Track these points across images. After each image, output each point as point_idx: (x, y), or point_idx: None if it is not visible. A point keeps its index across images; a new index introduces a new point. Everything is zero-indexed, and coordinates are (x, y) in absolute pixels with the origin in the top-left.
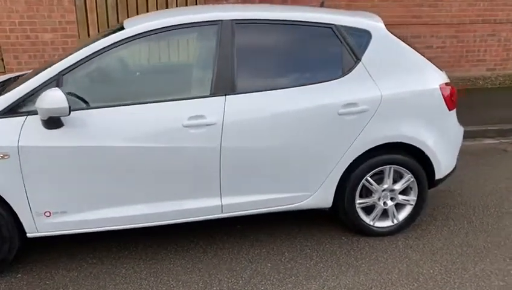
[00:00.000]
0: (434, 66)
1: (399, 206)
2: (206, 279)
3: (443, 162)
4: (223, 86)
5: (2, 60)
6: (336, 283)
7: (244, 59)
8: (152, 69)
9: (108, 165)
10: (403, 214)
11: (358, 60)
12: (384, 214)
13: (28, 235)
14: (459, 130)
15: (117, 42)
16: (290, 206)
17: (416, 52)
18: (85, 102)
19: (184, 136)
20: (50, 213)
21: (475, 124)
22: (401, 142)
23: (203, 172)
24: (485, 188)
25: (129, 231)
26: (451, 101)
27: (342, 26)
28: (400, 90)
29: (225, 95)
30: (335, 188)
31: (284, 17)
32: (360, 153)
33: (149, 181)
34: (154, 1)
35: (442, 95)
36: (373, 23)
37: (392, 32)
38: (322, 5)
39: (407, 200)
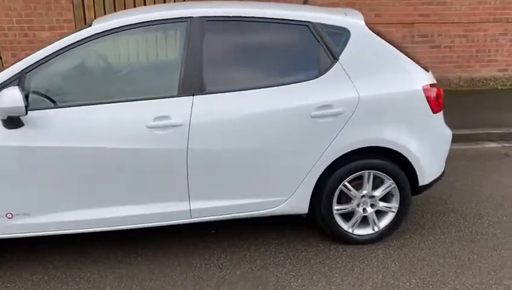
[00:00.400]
0: (418, 67)
1: (380, 214)
2: (171, 286)
3: (427, 168)
4: (191, 86)
5: (0, 58)
6: None
7: (214, 58)
8: (118, 67)
9: (71, 166)
10: (384, 222)
11: (335, 59)
12: (365, 221)
13: None
14: (446, 134)
15: (81, 40)
16: (264, 211)
17: (400, 52)
18: (50, 101)
19: (148, 138)
20: (12, 215)
21: (477, 127)
22: (381, 147)
23: (169, 175)
24: (480, 195)
25: (98, 234)
26: (436, 104)
27: (318, 24)
28: (379, 92)
29: (193, 95)
30: (311, 193)
31: (257, 14)
32: (336, 158)
33: (113, 183)
34: (151, 0)
35: (426, 96)
36: (352, 21)
37: (375, 31)
38: (305, 2)
39: (388, 207)
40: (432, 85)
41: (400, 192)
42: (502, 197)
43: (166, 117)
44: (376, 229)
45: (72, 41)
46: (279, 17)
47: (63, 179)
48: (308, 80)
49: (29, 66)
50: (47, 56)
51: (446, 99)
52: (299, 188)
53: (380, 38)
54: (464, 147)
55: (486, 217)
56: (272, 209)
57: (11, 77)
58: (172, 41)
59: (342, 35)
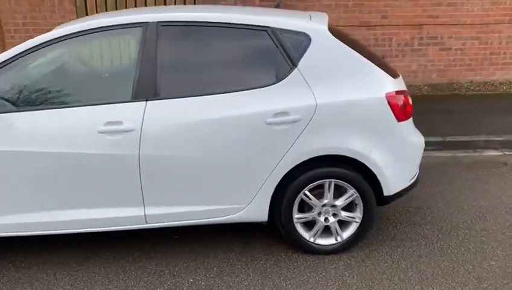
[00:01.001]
0: (384, 73)
1: (344, 224)
2: None
3: (392, 178)
4: (145, 91)
5: None
6: None
7: (169, 63)
8: (75, 73)
9: (25, 170)
10: (348, 232)
11: (294, 65)
12: (327, 231)
13: None
14: (415, 143)
15: (39, 45)
16: (222, 218)
17: (364, 58)
18: (8, 104)
19: (100, 143)
20: None
21: (479, 133)
22: (340, 155)
23: (123, 181)
24: (464, 205)
25: (69, 236)
26: (402, 112)
27: (277, 28)
28: (338, 99)
29: (146, 100)
30: (269, 201)
31: (214, 18)
32: (294, 166)
33: (67, 187)
34: (152, 1)
35: (390, 104)
36: (313, 26)
37: (340, 35)
38: (277, 6)
39: (352, 217)
40: (399, 92)
41: (363, 202)
42: (486, 208)
43: (118, 122)
44: (339, 239)
45: (30, 47)
46: (236, 22)
47: (20, 183)
48: (265, 86)
49: None
50: (5, 60)
51: (453, 104)
52: (256, 195)
53: (342, 44)
54: (462, 154)
55: (463, 230)
56: (229, 217)
57: None
58: (128, 46)
59: (301, 40)
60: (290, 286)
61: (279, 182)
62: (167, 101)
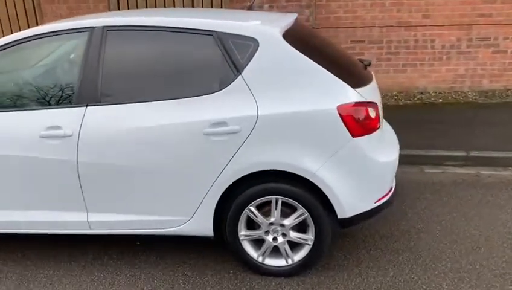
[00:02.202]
0: (341, 83)
1: (297, 245)
2: None
3: (347, 199)
4: (86, 96)
5: None
6: None
7: (112, 68)
8: (24, 77)
9: None
10: (299, 255)
11: (238, 72)
12: (279, 251)
13: None
14: (380, 161)
15: None
16: (165, 230)
17: (318, 66)
18: None
19: (41, 147)
20: None
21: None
22: (285, 171)
23: (65, 186)
24: (460, 233)
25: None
26: (358, 126)
27: (224, 33)
28: (282, 110)
29: (86, 105)
30: (212, 215)
31: (159, 22)
32: (235, 180)
33: (16, 189)
34: (180, 1)
35: (342, 117)
36: (262, 30)
37: (309, 38)
38: (250, 8)
39: (303, 239)
40: (358, 104)
41: (314, 223)
42: (486, 239)
43: (57, 127)
44: (290, 261)
45: None
46: (181, 26)
47: None
48: (206, 94)
49: None
50: None
51: (499, 112)
52: (199, 209)
53: (293, 50)
54: (487, 172)
55: (445, 263)
56: (172, 229)
57: None
58: (75, 51)
59: (249, 45)
60: None
61: (223, 196)
62: (106, 107)
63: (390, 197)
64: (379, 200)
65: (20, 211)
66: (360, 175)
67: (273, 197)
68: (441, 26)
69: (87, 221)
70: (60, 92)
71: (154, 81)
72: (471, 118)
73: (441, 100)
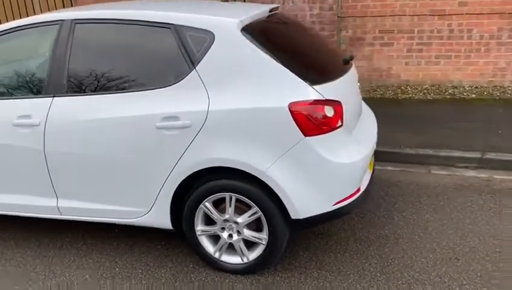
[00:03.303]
0: (297, 79)
1: (253, 244)
2: (19, 278)
3: (300, 200)
4: (54, 87)
5: None
6: None
7: (78, 60)
8: (1, 68)
9: None
10: (255, 254)
11: (193, 66)
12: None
13: None
14: (337, 162)
15: None
16: (127, 220)
17: (274, 61)
18: None
19: (13, 135)
20: None
21: None
22: (235, 168)
23: (35, 172)
24: (442, 243)
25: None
26: (312, 125)
27: (181, 26)
28: (234, 106)
29: (53, 96)
30: (169, 209)
31: (121, 15)
32: (188, 175)
33: None
34: None
35: (294, 115)
36: (220, 22)
37: (279, 28)
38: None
39: (257, 238)
40: (315, 102)
41: (268, 223)
42: (469, 250)
43: (28, 116)
44: (245, 259)
45: None
46: (141, 19)
47: None
48: (162, 88)
49: None
50: None
51: None
52: (156, 202)
53: (249, 43)
54: (500, 176)
55: (413, 274)
56: (133, 220)
57: None
58: (44, 43)
59: (205, 39)
60: None
61: (181, 191)
62: (69, 98)
63: (355, 200)
64: (338, 202)
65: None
66: (314, 176)
67: (227, 194)
68: (480, 14)
69: (57, 207)
70: (33, 83)
71: (114, 74)
72: (500, 116)
73: (474, 95)
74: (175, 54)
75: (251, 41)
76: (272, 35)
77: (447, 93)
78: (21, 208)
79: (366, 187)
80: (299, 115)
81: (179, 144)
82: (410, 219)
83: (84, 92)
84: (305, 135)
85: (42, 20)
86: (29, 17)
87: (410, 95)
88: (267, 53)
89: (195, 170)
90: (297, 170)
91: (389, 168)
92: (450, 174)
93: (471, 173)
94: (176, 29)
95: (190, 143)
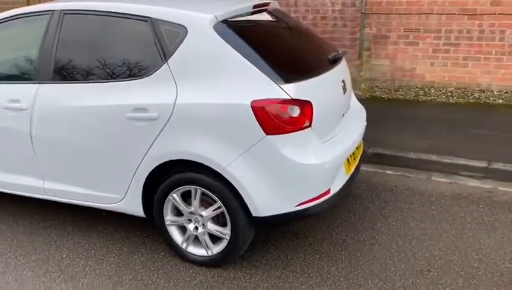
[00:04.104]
0: (263, 76)
1: (218, 238)
2: (6, 253)
3: (261, 198)
4: (41, 74)
5: None
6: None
7: (63, 49)
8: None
9: None
10: (219, 247)
11: (165, 59)
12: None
13: None
14: (299, 163)
15: None
16: (103, 205)
17: (243, 58)
18: None
19: (4, 117)
20: None
21: None
22: (199, 162)
23: (24, 154)
24: (419, 253)
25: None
26: (274, 124)
27: (157, 19)
28: (199, 101)
29: (40, 82)
30: (141, 197)
31: (104, 7)
32: (156, 166)
33: None
34: None
35: (256, 113)
36: (193, 17)
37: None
38: None
39: (221, 233)
40: (277, 101)
41: (230, 218)
42: (444, 263)
43: (17, 100)
44: (210, 252)
45: None
46: (122, 11)
47: None
48: (136, 79)
49: None
50: None
51: None
52: (129, 190)
53: (219, 39)
54: (505, 188)
55: (377, 282)
56: (111, 205)
57: None
58: (37, 32)
59: (178, 33)
60: (124, 280)
61: (150, 180)
62: (53, 85)
63: (323, 202)
64: (302, 203)
65: None
66: (276, 175)
67: (192, 187)
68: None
69: (43, 187)
70: (24, 69)
71: (93, 63)
72: None
73: (501, 101)
74: (150, 47)
75: (222, 37)
76: (250, 32)
77: (471, 97)
78: (12, 186)
79: (340, 189)
80: (261, 113)
81: (148, 136)
82: (393, 226)
83: (66, 80)
84: (267, 133)
85: (36, 10)
86: (26, 7)
87: (432, 97)
88: (237, 50)
89: (162, 161)
90: (258, 168)
91: (389, 171)
92: (451, 183)
93: (474, 183)
94: (152, 23)
95: (158, 135)
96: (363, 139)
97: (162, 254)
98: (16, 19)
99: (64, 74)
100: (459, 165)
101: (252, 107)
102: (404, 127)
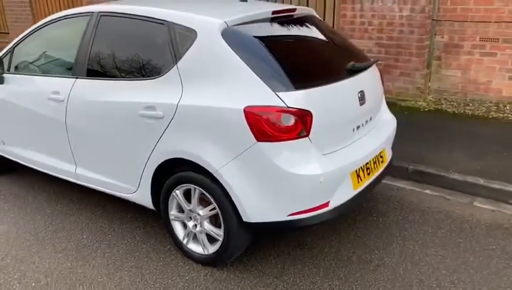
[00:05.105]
0: (261, 83)
1: (214, 238)
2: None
3: (251, 204)
4: (78, 70)
5: None
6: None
7: (96, 47)
8: (48, 49)
9: (18, 115)
10: (214, 247)
11: (176, 61)
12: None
13: None
14: (289, 173)
15: (36, 28)
16: (124, 195)
17: (244, 64)
18: (18, 69)
19: (47, 106)
20: (4, 142)
21: None
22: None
23: (60, 140)
24: (404, 276)
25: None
26: (265, 131)
27: (173, 23)
28: (198, 103)
29: (76, 77)
30: (150, 190)
31: (128, 10)
32: (161, 162)
33: (33, 136)
34: None
35: (248, 119)
36: (203, 22)
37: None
38: None
39: (215, 233)
40: (271, 108)
41: (223, 220)
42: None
43: (57, 92)
44: (206, 251)
45: (32, 29)
46: (145, 14)
47: (18, 124)
48: (151, 79)
49: (15, 42)
50: (18, 40)
51: None
52: (141, 182)
53: (224, 45)
54: None
55: (338, 286)
56: (126, 195)
57: (8, 50)
58: (79, 31)
59: (189, 36)
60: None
61: (159, 176)
62: (84, 80)
63: (318, 215)
64: (295, 214)
65: (35, 153)
66: (266, 183)
67: (192, 186)
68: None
69: (75, 173)
70: (67, 64)
71: (116, 62)
72: None
73: None
74: (165, 49)
75: (228, 42)
76: (260, 38)
77: None
78: (51, 169)
79: (344, 204)
80: (253, 119)
81: (155, 133)
82: (409, 249)
83: (94, 77)
84: (258, 140)
85: (81, 11)
86: (74, 8)
87: (505, 114)
88: (241, 55)
89: (165, 158)
90: (249, 174)
91: (427, 191)
92: (494, 211)
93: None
94: (169, 26)
95: (162, 133)
96: (397, 153)
97: (168, 247)
98: (65, 18)
99: (94, 70)
100: (508, 192)
101: (244, 112)
102: (460, 145)
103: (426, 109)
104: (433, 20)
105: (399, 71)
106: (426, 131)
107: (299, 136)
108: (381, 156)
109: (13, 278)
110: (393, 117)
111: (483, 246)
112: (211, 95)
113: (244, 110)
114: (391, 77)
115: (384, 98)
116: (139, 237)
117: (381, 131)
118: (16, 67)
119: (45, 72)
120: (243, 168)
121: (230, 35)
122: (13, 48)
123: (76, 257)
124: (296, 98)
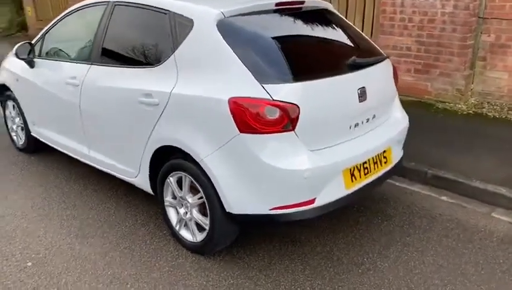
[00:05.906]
0: (248, 75)
1: (201, 226)
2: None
3: (233, 195)
4: (93, 56)
5: None
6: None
7: (109, 35)
8: (68, 36)
9: (43, 96)
10: (201, 236)
11: (174, 50)
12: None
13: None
14: (271, 166)
15: (63, 16)
16: (127, 178)
17: (235, 55)
18: (46, 54)
19: (64, 90)
20: (34, 123)
21: None
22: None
23: (76, 122)
24: (393, 283)
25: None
26: (247, 122)
27: (174, 13)
28: (188, 92)
29: (91, 63)
30: (148, 175)
31: (137, 0)
32: (156, 148)
33: (52, 117)
34: None
35: (231, 110)
36: (200, 12)
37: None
38: None
39: (202, 222)
40: (255, 100)
41: (209, 209)
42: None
43: (74, 77)
44: (195, 239)
45: (60, 17)
46: (150, 4)
47: (44, 106)
48: (151, 67)
49: (46, 30)
50: (49, 27)
51: None
52: (140, 167)
53: (217, 35)
54: None
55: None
56: (130, 179)
57: (40, 36)
58: (95, 19)
59: (187, 26)
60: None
61: (156, 162)
62: (97, 66)
63: (302, 212)
64: (277, 208)
65: (58, 135)
66: (248, 175)
67: (182, 174)
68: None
69: (89, 154)
70: (83, 51)
71: (124, 50)
72: None
73: None
74: (166, 38)
75: (221, 33)
76: (257, 29)
77: None
78: (70, 150)
79: (333, 202)
80: (237, 110)
81: (151, 119)
82: (405, 256)
83: (104, 63)
84: (241, 131)
85: (100, 0)
86: None
87: None
88: (232, 46)
89: (159, 145)
90: (232, 165)
91: (444, 198)
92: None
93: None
94: (170, 15)
95: (157, 120)
96: (418, 157)
97: (164, 232)
98: (88, 7)
99: (105, 57)
100: None
101: (229, 103)
102: (490, 152)
103: (465, 112)
104: (479, 17)
105: (438, 71)
106: (457, 135)
107: (284, 130)
108: (385, 157)
109: (17, 248)
110: (405, 116)
111: (489, 260)
112: (202, 84)
113: (228, 101)
114: (430, 76)
115: (397, 96)
116: (141, 221)
117: (386, 130)
118: (46, 53)
119: (67, 57)
120: (226, 159)
121: (225, 26)
122: (44, 34)
123: (78, 234)
124: (284, 91)
